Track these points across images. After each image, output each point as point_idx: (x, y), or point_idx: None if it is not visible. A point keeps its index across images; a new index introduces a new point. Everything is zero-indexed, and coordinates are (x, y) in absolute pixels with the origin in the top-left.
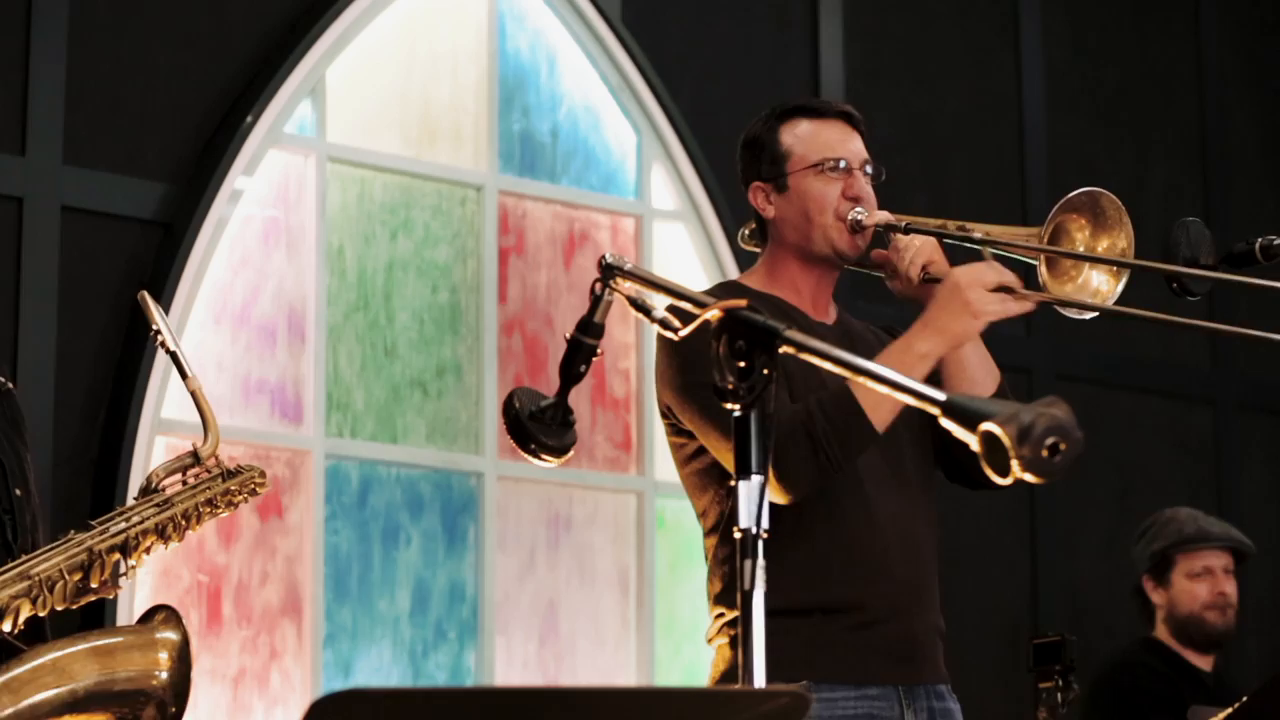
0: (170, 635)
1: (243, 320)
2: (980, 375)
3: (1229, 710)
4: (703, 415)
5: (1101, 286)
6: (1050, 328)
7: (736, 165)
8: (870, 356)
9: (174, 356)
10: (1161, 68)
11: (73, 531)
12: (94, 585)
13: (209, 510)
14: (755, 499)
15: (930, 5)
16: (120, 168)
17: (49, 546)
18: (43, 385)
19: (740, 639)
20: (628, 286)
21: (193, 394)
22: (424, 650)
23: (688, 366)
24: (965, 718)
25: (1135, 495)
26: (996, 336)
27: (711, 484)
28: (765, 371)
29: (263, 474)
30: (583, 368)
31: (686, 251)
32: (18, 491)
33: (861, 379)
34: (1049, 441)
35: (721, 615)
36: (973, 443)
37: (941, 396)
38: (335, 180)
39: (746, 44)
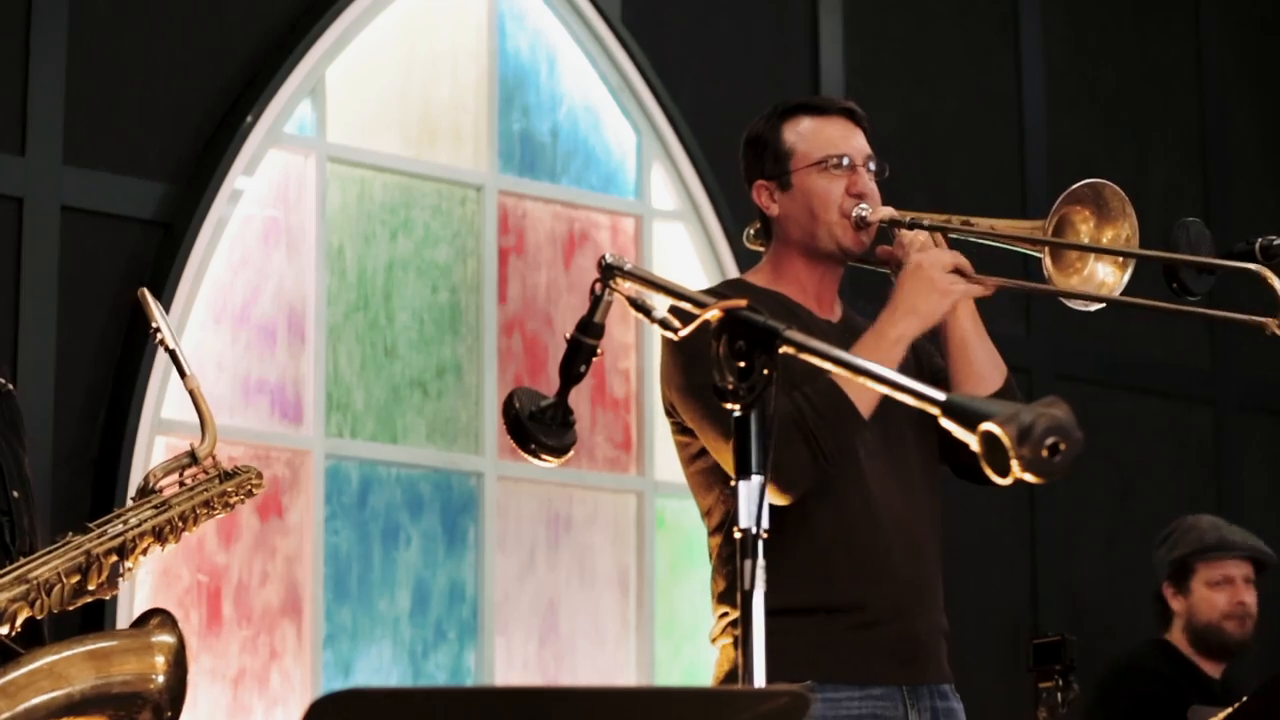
0: (166, 639)
1: (243, 320)
2: (987, 371)
3: (1229, 710)
4: (703, 416)
5: (1107, 278)
6: (1050, 327)
7: (739, 164)
8: None
9: (173, 355)
10: (1161, 68)
11: (70, 534)
12: (91, 587)
13: (206, 512)
14: (755, 499)
15: (930, 5)
16: (120, 168)
17: (46, 549)
18: (43, 385)
19: (740, 639)
20: (628, 286)
21: (191, 392)
22: (424, 650)
23: (690, 367)
24: (966, 717)
25: (1135, 495)
26: (996, 336)
27: (716, 484)
28: (765, 371)
29: (259, 475)
30: (583, 368)
31: (686, 251)
32: (15, 494)
33: (862, 379)
34: (1049, 441)
35: (726, 615)
36: (973, 443)
37: (941, 396)
38: (335, 180)
39: (746, 44)
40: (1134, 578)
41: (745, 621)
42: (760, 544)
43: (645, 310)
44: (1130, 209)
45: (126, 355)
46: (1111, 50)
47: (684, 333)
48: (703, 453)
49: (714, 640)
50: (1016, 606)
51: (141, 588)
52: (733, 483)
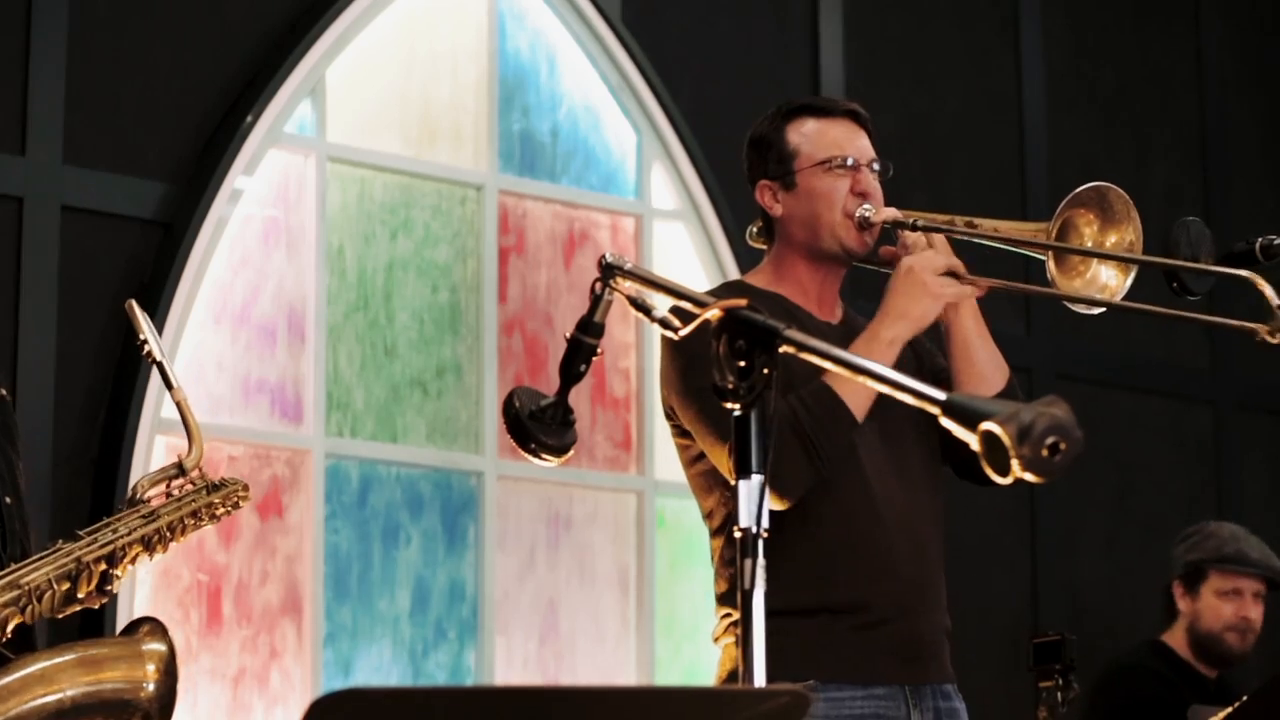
0: (157, 647)
1: (243, 320)
2: (990, 371)
3: (1229, 710)
4: (700, 419)
5: (1110, 282)
6: (1050, 328)
7: (743, 164)
8: None
9: (160, 366)
10: (1161, 68)
11: (60, 541)
12: (81, 595)
13: (194, 523)
14: (755, 499)
15: (930, 5)
16: (120, 168)
17: (38, 556)
18: (42, 385)
19: (740, 638)
20: (628, 286)
21: (178, 405)
22: (424, 650)
23: (689, 370)
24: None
25: (1135, 495)
26: (996, 336)
27: (717, 485)
28: (765, 371)
29: (245, 487)
30: (583, 367)
31: (686, 251)
32: (9, 499)
33: (861, 379)
34: (1049, 441)
35: (728, 615)
36: (973, 442)
37: (941, 396)
38: (335, 180)
39: (746, 44)
40: (1134, 577)
41: (746, 621)
42: (760, 543)
43: (645, 310)
44: (1134, 213)
45: (126, 355)
46: (1111, 50)
47: (684, 332)
48: (704, 455)
49: (716, 640)
50: (1017, 606)
51: (142, 587)
52: (732, 483)
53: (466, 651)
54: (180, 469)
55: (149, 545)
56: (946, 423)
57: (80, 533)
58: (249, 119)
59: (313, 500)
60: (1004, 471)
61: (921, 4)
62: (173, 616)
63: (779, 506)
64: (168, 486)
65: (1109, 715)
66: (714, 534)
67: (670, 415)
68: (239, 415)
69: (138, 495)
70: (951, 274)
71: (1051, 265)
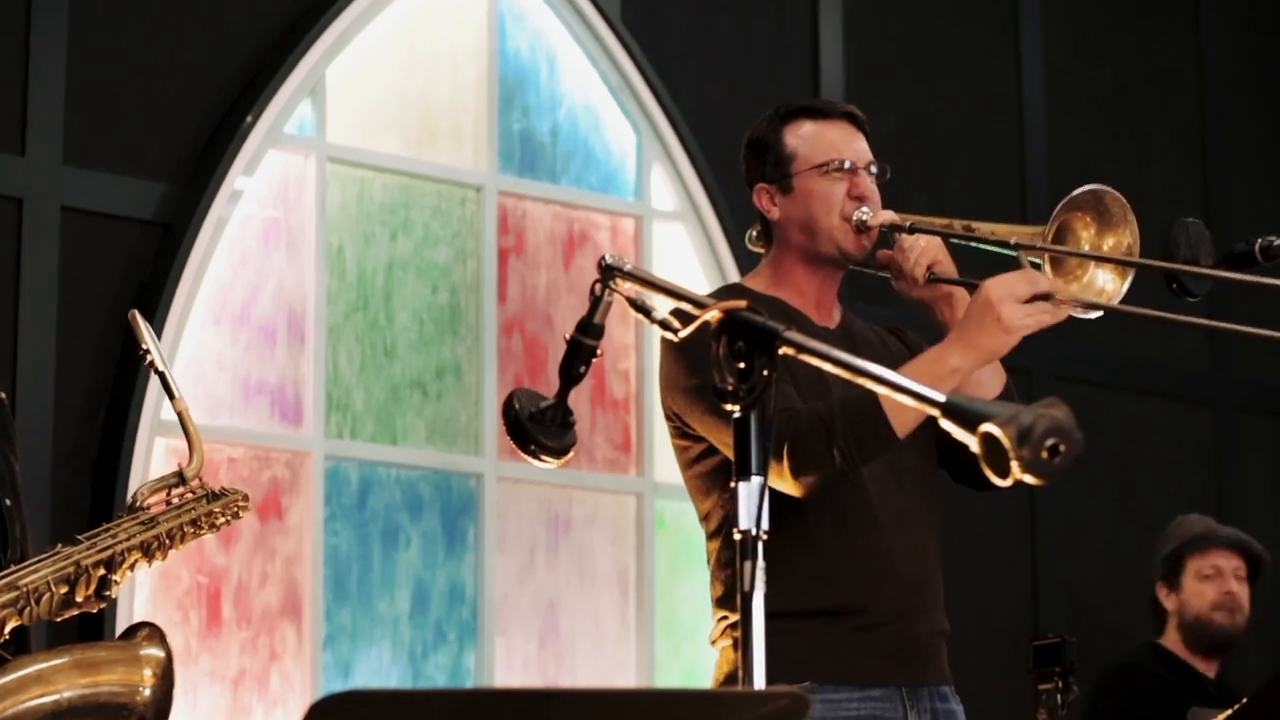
0: (155, 652)
1: (243, 320)
2: (986, 376)
3: (1229, 712)
4: (710, 415)
5: (1107, 285)
6: (1050, 328)
7: (740, 166)
8: (874, 359)
9: (162, 377)
10: (1161, 68)
11: (60, 545)
12: (79, 599)
13: (193, 531)
14: (755, 500)
15: (930, 5)
16: (120, 168)
17: (37, 558)
18: (42, 386)
19: (739, 641)
20: (627, 287)
21: (179, 415)
22: (424, 651)
23: (693, 369)
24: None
25: (1135, 497)
26: None
27: (715, 487)
28: (765, 372)
29: (245, 497)
30: (582, 369)
31: (686, 252)
32: (8, 501)
33: (860, 379)
34: (1049, 443)
35: (725, 618)
36: (972, 444)
37: (941, 397)
38: (335, 180)
39: (746, 44)
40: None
41: (745, 623)
42: (760, 545)
43: (645, 311)
44: (1131, 215)
45: (126, 356)
46: (1111, 50)
47: (684, 334)
48: (702, 456)
49: (713, 643)
50: (1016, 608)
51: (142, 589)
52: (733, 484)
53: (466, 653)
54: (181, 477)
55: (148, 552)
56: (946, 424)
57: (80, 537)
58: (249, 119)
59: (312, 502)
60: (1004, 473)
61: (921, 4)
62: (172, 618)
63: (792, 491)
64: (168, 494)
65: (1109, 717)
66: (710, 536)
67: (671, 417)
68: (239, 417)
69: (138, 503)
70: (1041, 296)
71: (1048, 269)
